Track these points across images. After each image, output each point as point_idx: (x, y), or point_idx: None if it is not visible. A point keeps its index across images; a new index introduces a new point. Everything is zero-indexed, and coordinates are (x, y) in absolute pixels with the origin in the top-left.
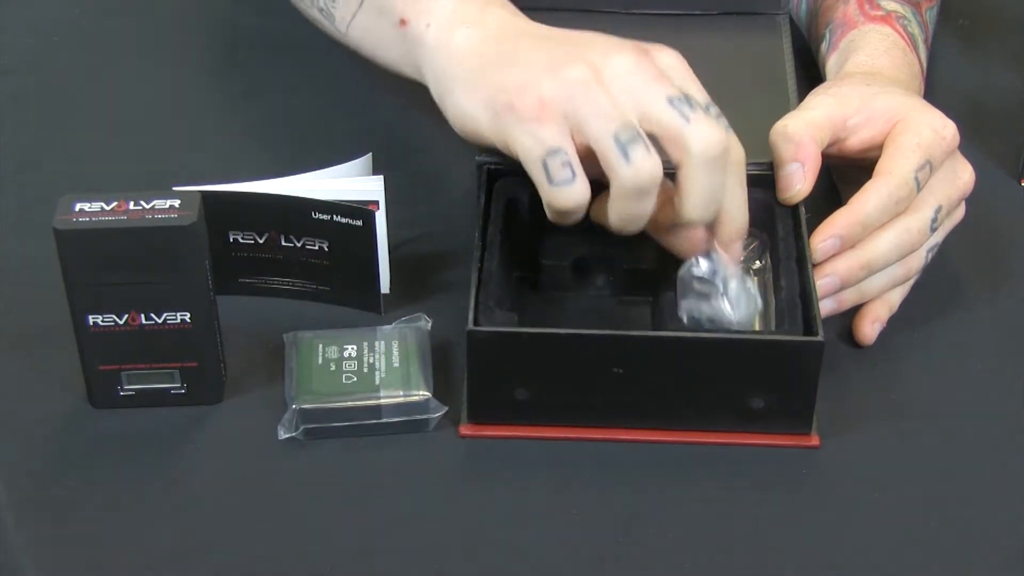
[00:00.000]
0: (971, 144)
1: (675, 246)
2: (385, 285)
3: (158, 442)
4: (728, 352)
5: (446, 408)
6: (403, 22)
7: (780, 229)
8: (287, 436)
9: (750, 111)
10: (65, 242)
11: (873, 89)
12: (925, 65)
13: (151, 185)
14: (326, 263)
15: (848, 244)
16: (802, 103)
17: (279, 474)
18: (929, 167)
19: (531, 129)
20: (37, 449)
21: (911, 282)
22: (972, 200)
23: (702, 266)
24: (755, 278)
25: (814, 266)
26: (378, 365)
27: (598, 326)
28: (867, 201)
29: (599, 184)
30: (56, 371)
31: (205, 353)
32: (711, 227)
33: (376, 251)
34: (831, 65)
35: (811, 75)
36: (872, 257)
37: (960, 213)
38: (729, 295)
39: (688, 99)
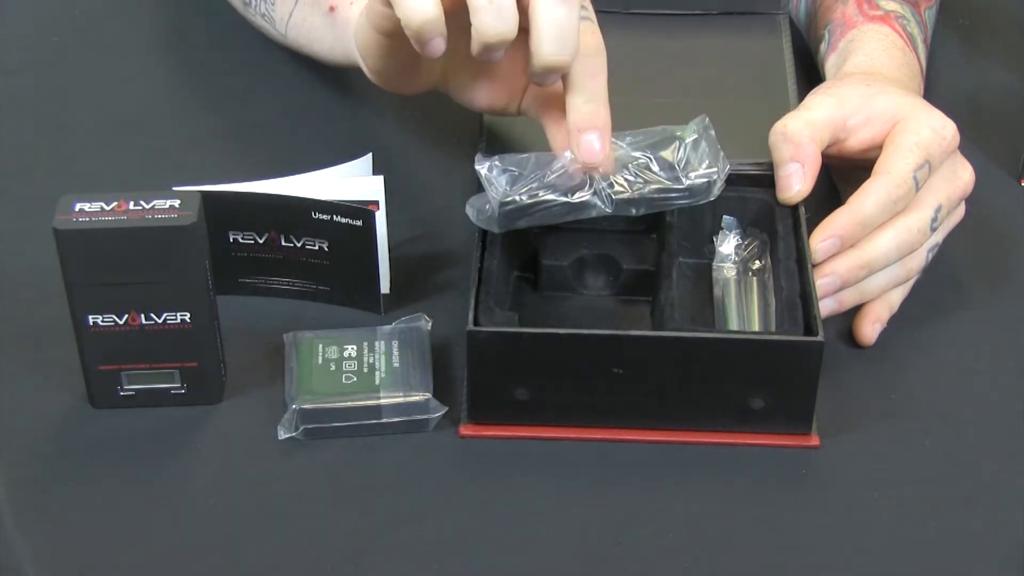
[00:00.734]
0: (971, 144)
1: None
2: (385, 285)
3: (158, 442)
4: (728, 352)
5: (446, 408)
6: (332, 8)
7: (780, 229)
8: (287, 436)
9: (750, 111)
10: (65, 242)
11: (873, 89)
12: (924, 65)
13: (151, 185)
14: (326, 263)
15: (848, 244)
16: (802, 103)
17: (279, 474)
18: (928, 166)
19: None
20: (37, 449)
21: (911, 282)
22: (972, 200)
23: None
24: (753, 277)
25: (814, 266)
26: (378, 365)
27: (597, 326)
28: (866, 200)
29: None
30: (56, 371)
31: (205, 353)
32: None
33: (376, 251)
34: (830, 65)
35: (810, 75)
36: (872, 257)
37: (960, 213)
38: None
39: None
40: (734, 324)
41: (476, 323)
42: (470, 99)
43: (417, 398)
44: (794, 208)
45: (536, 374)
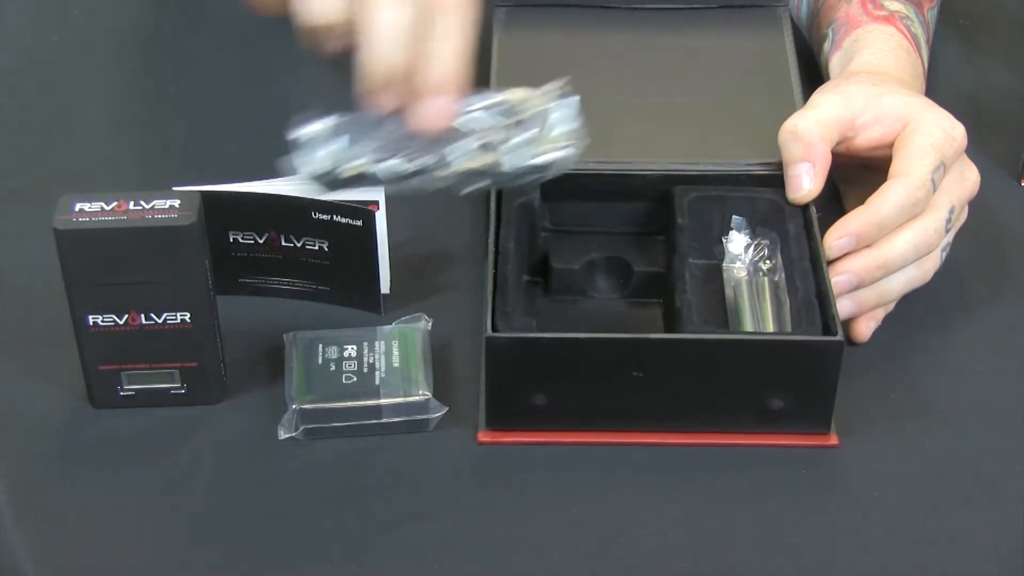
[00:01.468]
0: (971, 144)
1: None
2: (385, 285)
3: (158, 442)
4: (748, 353)
5: (446, 408)
6: None
7: (791, 229)
8: (287, 436)
9: (755, 109)
10: (65, 242)
11: (880, 89)
12: (926, 66)
13: (151, 185)
14: (326, 263)
15: (863, 243)
16: (809, 101)
17: (279, 474)
18: (943, 168)
19: None
20: (37, 449)
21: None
22: (972, 200)
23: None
24: (765, 278)
25: (829, 263)
26: (378, 365)
27: (610, 329)
28: (885, 202)
29: None
30: (56, 371)
31: (205, 353)
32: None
33: (376, 251)
34: (834, 64)
35: (810, 74)
36: (890, 257)
37: (965, 214)
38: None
39: None
40: (748, 325)
41: (494, 329)
42: None
43: (417, 398)
44: (804, 208)
45: (554, 379)
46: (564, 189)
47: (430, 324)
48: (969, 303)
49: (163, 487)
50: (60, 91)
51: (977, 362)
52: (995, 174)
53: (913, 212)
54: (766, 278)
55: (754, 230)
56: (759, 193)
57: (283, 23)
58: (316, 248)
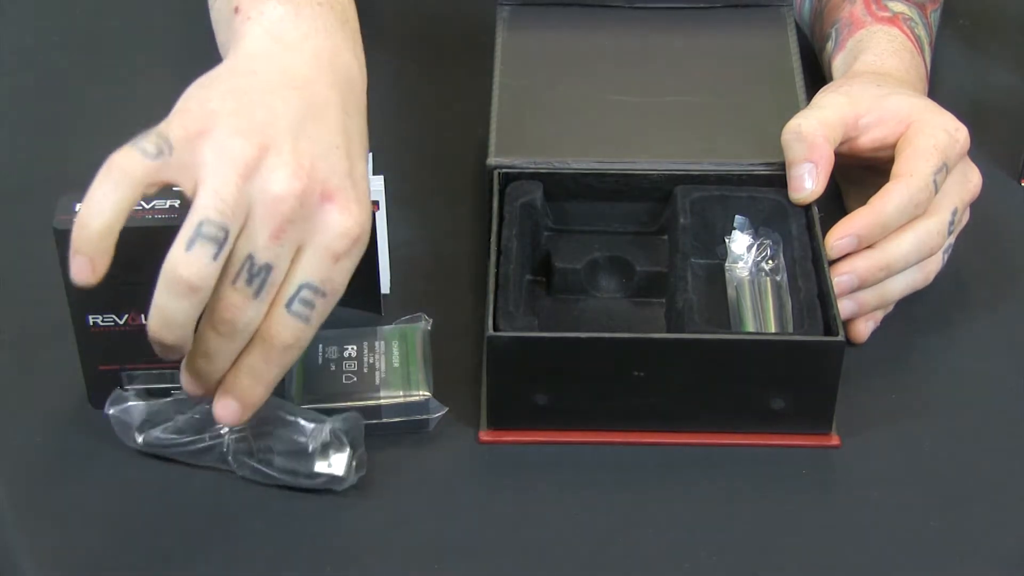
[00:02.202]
0: (971, 144)
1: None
2: (385, 285)
3: None
4: (749, 353)
5: (446, 408)
6: (237, 9)
7: (793, 229)
8: None
9: (758, 107)
10: (65, 242)
11: (884, 89)
12: (929, 67)
13: None
14: None
15: (865, 244)
16: (812, 101)
17: None
18: (946, 169)
19: None
20: (37, 449)
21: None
22: (973, 201)
23: None
24: (767, 278)
25: (830, 264)
26: (378, 365)
27: (612, 328)
28: (888, 202)
29: None
30: (56, 371)
31: None
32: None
33: (376, 251)
34: (838, 64)
35: (813, 73)
36: (892, 258)
37: (967, 216)
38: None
39: (264, 271)
40: (750, 325)
41: (496, 328)
42: None
43: (417, 398)
44: (807, 208)
45: (556, 379)
46: (566, 188)
47: (430, 324)
48: (969, 303)
49: (163, 487)
50: (60, 91)
51: (977, 362)
52: (995, 174)
53: (915, 213)
54: (768, 278)
55: (757, 230)
56: (762, 193)
57: None
58: None
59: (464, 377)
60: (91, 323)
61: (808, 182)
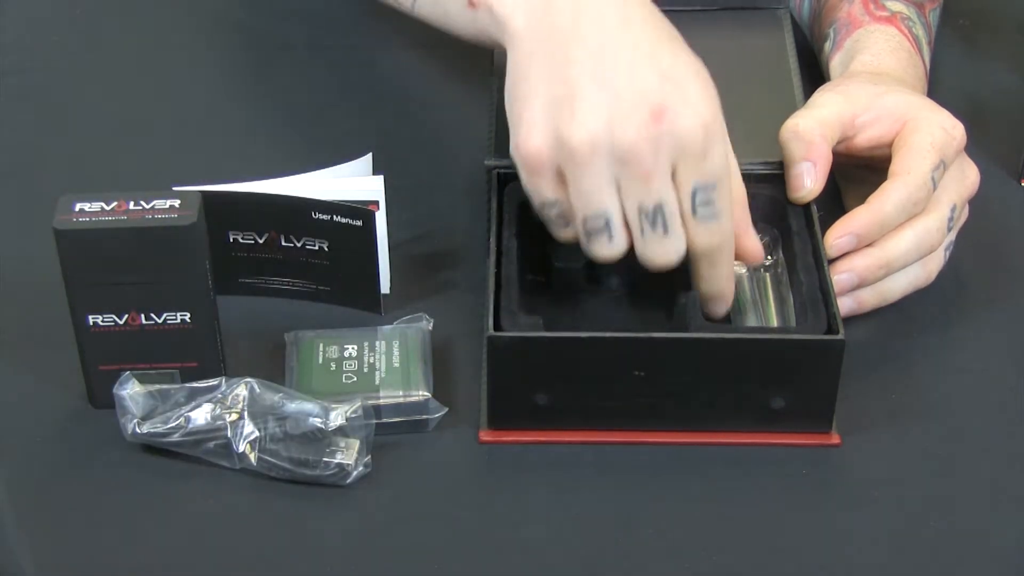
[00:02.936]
0: (971, 144)
1: None
2: (385, 285)
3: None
4: (749, 351)
5: (446, 409)
6: (471, 3)
7: (793, 225)
8: None
9: (757, 109)
10: (65, 242)
11: (881, 88)
12: (928, 67)
13: (151, 185)
14: (326, 263)
15: (864, 243)
16: (810, 101)
17: None
18: (943, 167)
19: (529, 178)
20: (37, 449)
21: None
22: (972, 200)
23: None
24: (766, 273)
25: (830, 262)
26: (378, 365)
27: (613, 327)
28: (887, 200)
29: None
30: (56, 371)
31: (205, 353)
32: None
33: (376, 251)
34: (835, 64)
35: (811, 73)
36: (892, 256)
37: (966, 213)
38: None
39: (658, 211)
40: (751, 321)
41: (497, 328)
42: None
43: (417, 398)
44: (806, 206)
45: (556, 378)
46: None
47: (430, 324)
48: (969, 303)
49: (163, 487)
50: (60, 91)
51: (977, 362)
52: (995, 174)
53: (914, 211)
54: (767, 274)
55: (755, 226)
56: (759, 189)
57: (284, 23)
58: (316, 248)
59: (464, 377)
60: (91, 323)
61: (807, 181)
